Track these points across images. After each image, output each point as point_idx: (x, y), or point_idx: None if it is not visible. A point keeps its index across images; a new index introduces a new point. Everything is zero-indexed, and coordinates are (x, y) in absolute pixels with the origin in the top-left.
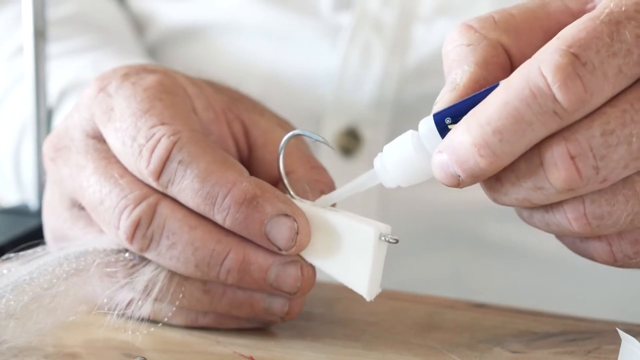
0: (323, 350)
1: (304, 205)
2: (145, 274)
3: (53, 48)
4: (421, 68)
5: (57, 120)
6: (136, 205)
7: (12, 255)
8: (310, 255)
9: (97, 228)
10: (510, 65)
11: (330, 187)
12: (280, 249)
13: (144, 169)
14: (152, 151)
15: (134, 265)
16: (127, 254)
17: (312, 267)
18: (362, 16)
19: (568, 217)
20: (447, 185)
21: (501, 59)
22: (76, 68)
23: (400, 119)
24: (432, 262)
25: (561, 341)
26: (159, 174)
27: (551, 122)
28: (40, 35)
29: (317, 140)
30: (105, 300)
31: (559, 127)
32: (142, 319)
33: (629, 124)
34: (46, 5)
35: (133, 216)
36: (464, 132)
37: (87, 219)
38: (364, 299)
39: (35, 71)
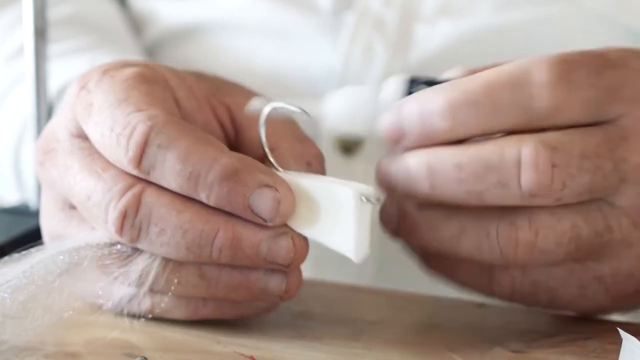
0: (323, 350)
1: (287, 175)
2: (139, 263)
3: (51, 49)
4: (422, 67)
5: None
6: (121, 196)
7: (6, 257)
8: (298, 225)
9: (89, 225)
10: None
11: (317, 158)
12: (265, 220)
13: (123, 158)
14: (129, 138)
15: (127, 257)
16: (119, 247)
17: (304, 237)
18: (363, 15)
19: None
20: (386, 140)
21: None
22: (74, 67)
23: None
24: None
25: (562, 341)
26: (139, 160)
27: (524, 115)
28: (40, 34)
29: (294, 112)
30: (100, 293)
31: (527, 124)
32: (143, 315)
33: (602, 156)
34: (46, 5)
35: (119, 208)
36: (439, 91)
37: (80, 217)
38: (361, 298)
39: (35, 71)
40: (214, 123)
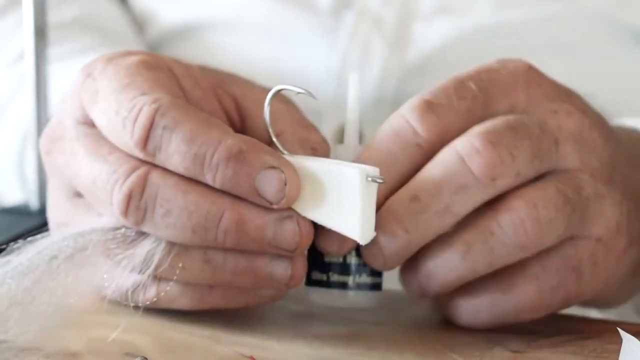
0: (323, 350)
1: (293, 158)
2: (143, 247)
3: (55, 51)
4: (421, 66)
5: None
6: (126, 178)
7: (14, 246)
8: (303, 208)
9: (95, 212)
10: None
11: (321, 144)
12: (271, 203)
13: (129, 141)
14: (135, 121)
15: (132, 241)
16: (124, 231)
17: (309, 221)
18: (362, 14)
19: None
20: None
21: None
22: (77, 68)
23: None
24: None
25: (562, 341)
26: (145, 142)
27: (415, 152)
28: (40, 36)
29: (299, 93)
30: (105, 276)
31: (423, 158)
32: (148, 303)
33: (527, 124)
34: (47, 7)
35: (124, 189)
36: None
37: (86, 205)
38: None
39: (36, 73)
40: (220, 112)
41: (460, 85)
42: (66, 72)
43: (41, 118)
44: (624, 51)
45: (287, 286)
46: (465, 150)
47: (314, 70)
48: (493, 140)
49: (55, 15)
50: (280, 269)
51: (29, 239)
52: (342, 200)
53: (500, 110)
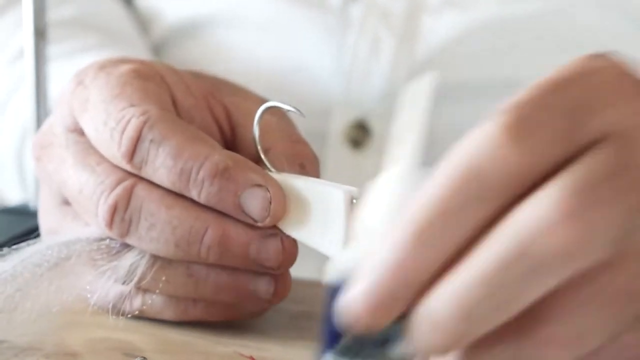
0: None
1: (279, 176)
2: (127, 259)
3: (55, 49)
4: (430, 60)
5: None
6: (112, 189)
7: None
8: (288, 227)
9: (82, 221)
10: None
11: (310, 160)
12: (255, 221)
13: (116, 152)
14: (123, 133)
15: (116, 253)
16: (109, 242)
17: (293, 240)
18: (370, 7)
19: None
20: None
21: None
22: (77, 68)
23: None
24: None
25: None
26: (132, 155)
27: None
28: (40, 35)
29: (289, 111)
30: (88, 287)
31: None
32: (134, 314)
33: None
34: (47, 6)
35: (110, 201)
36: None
37: (74, 213)
38: None
39: (35, 72)
40: (211, 122)
41: (551, 97)
42: (66, 72)
43: (40, 118)
44: (634, 45)
45: (270, 303)
46: (543, 219)
47: (321, 65)
48: (584, 204)
49: (55, 13)
50: (263, 286)
51: (14, 246)
52: (327, 220)
53: (594, 132)
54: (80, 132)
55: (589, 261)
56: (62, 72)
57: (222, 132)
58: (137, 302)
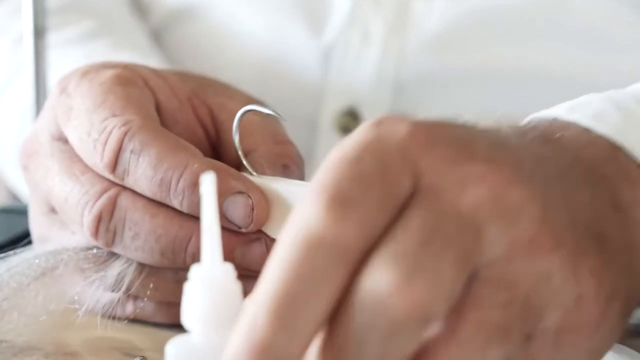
0: None
1: (261, 180)
2: (115, 268)
3: (54, 37)
4: (421, 47)
5: None
6: (96, 199)
7: None
8: (273, 230)
9: (69, 230)
10: None
11: (294, 160)
12: (239, 227)
13: (99, 163)
14: (105, 144)
15: (104, 261)
16: (95, 251)
17: None
18: None
19: None
20: None
21: None
22: (71, 60)
23: (399, 99)
24: None
25: None
26: (114, 166)
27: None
28: (40, 32)
29: (269, 114)
30: (76, 298)
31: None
32: (127, 319)
33: None
34: (46, 4)
35: (94, 211)
36: None
37: (61, 222)
38: None
39: (35, 68)
40: (195, 123)
41: (355, 168)
42: (65, 62)
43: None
44: (628, 28)
45: None
46: (382, 289)
47: (312, 52)
48: (409, 272)
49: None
50: (252, 288)
51: (3, 255)
52: None
53: (406, 191)
54: (65, 140)
55: (439, 316)
56: (57, 63)
57: (206, 134)
58: (128, 308)
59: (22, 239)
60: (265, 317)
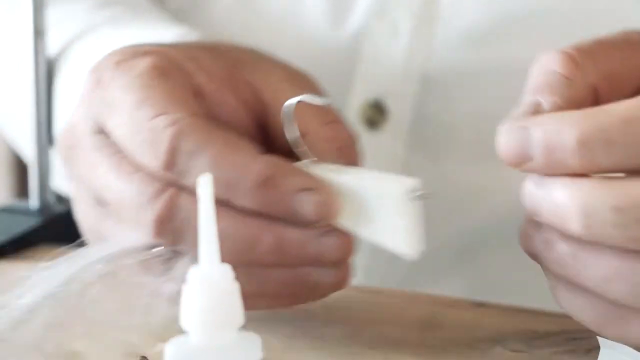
0: (324, 350)
1: (324, 172)
2: (181, 266)
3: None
4: (449, 41)
5: (60, 81)
6: (155, 201)
7: (48, 263)
8: (345, 222)
9: (125, 225)
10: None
11: (348, 143)
12: (310, 222)
13: (152, 164)
14: (157, 145)
15: (169, 259)
16: (159, 249)
17: (350, 233)
18: None
19: None
20: (505, 161)
21: (590, 104)
22: (86, 20)
23: (426, 92)
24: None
25: (562, 340)
26: (169, 167)
27: None
28: (39, 35)
29: (322, 105)
30: (145, 300)
31: None
32: None
33: None
34: (46, 6)
35: (155, 213)
36: (569, 123)
37: (115, 216)
38: (362, 298)
39: (35, 72)
40: (239, 106)
41: None
42: (69, 22)
43: (41, 117)
44: None
45: (335, 290)
46: None
47: (339, 42)
48: None
49: None
50: (326, 277)
51: (63, 256)
52: (385, 216)
53: None
54: (107, 134)
55: None
56: (61, 24)
57: (252, 114)
58: None
59: (22, 238)
60: None
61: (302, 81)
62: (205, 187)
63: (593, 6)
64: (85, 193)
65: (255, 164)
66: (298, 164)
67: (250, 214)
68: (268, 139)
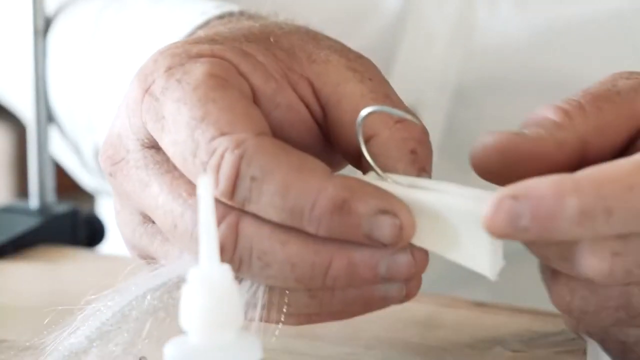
0: (324, 350)
1: (396, 187)
2: (242, 293)
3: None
4: (485, 52)
5: (52, 36)
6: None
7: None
8: (418, 240)
9: (175, 248)
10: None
11: (421, 142)
12: (385, 245)
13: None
14: (218, 170)
15: None
16: None
17: (423, 250)
18: None
19: None
20: (491, 230)
21: (577, 156)
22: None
23: (459, 103)
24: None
25: (561, 340)
26: (232, 194)
27: None
28: (40, 34)
29: (398, 116)
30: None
31: None
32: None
33: None
34: (46, 5)
35: None
36: (567, 190)
37: (163, 235)
38: None
39: (35, 73)
40: (298, 103)
41: None
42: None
43: (41, 117)
44: None
45: (401, 302)
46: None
47: (375, 50)
48: None
49: None
50: (394, 292)
51: (117, 288)
52: (465, 234)
53: None
54: (158, 148)
55: None
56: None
57: (310, 111)
58: (257, 318)
59: (22, 238)
60: None
61: (362, 67)
62: (205, 187)
63: (630, 20)
64: (130, 210)
65: (328, 189)
66: (367, 177)
67: (317, 239)
68: (327, 139)
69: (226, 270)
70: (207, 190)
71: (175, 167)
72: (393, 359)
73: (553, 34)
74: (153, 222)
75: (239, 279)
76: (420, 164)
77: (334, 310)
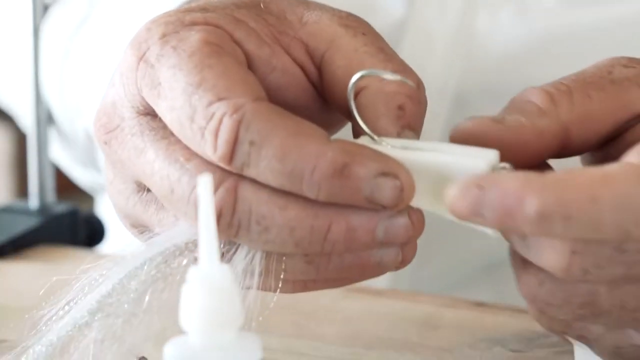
0: (323, 350)
1: (394, 149)
2: (239, 260)
3: None
4: (485, 59)
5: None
6: (213, 193)
7: (89, 265)
8: (416, 201)
9: (170, 214)
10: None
11: (412, 97)
12: (384, 208)
13: (211, 155)
14: (216, 134)
15: (224, 253)
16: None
17: (420, 211)
18: (425, 2)
19: None
20: (454, 214)
21: (558, 142)
22: None
23: (459, 110)
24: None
25: (561, 341)
26: (230, 159)
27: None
28: (39, 32)
29: (388, 79)
30: None
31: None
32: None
33: None
34: (46, 5)
35: None
36: (530, 190)
37: (158, 204)
38: (362, 298)
39: (35, 73)
40: (292, 65)
41: None
42: None
43: (41, 117)
44: None
45: (397, 269)
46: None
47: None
48: None
49: None
50: (390, 256)
51: (110, 259)
52: None
53: None
54: (154, 115)
55: None
56: None
57: (306, 73)
58: (253, 286)
59: (22, 238)
60: None
61: (355, 22)
62: (205, 187)
63: (631, 27)
64: (124, 178)
65: (327, 153)
66: (361, 140)
67: (316, 203)
68: (323, 98)
69: (226, 270)
70: (207, 190)
71: (171, 134)
72: (393, 359)
73: (553, 42)
74: (147, 191)
75: (235, 245)
76: (406, 120)
77: (330, 277)
